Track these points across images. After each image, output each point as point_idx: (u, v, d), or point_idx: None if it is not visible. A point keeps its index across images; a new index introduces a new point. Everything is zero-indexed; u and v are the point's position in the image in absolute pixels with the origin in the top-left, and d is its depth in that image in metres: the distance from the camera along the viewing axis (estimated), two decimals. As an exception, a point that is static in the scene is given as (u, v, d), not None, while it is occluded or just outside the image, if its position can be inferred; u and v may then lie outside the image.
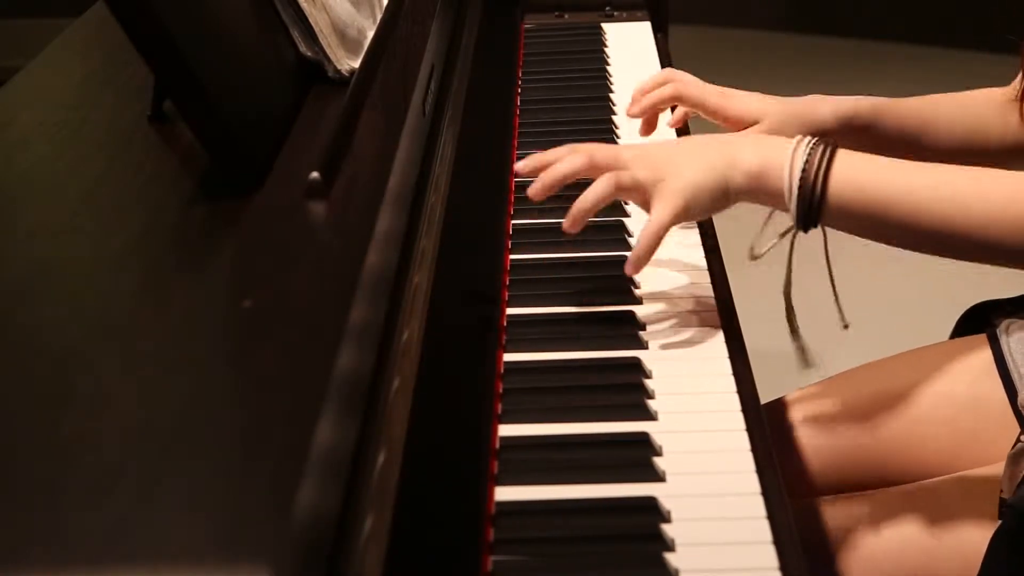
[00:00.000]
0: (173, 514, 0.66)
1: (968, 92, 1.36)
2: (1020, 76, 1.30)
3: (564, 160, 1.10)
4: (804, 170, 1.05)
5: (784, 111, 1.29)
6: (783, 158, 1.07)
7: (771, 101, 1.31)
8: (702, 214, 1.11)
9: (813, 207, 1.06)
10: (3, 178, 1.10)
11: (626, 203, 1.34)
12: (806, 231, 1.08)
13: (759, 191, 1.08)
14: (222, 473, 0.69)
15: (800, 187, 1.05)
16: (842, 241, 1.22)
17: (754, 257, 1.13)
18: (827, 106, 1.30)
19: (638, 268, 1.09)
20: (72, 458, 0.70)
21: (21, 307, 0.87)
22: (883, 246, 1.11)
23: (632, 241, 1.28)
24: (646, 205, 1.10)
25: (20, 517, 0.66)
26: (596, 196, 1.08)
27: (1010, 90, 1.33)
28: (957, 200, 1.04)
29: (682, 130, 1.48)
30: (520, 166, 1.12)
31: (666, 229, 1.08)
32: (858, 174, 1.06)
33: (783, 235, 1.11)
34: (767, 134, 1.26)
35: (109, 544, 0.63)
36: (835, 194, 1.05)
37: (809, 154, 1.06)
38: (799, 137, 1.08)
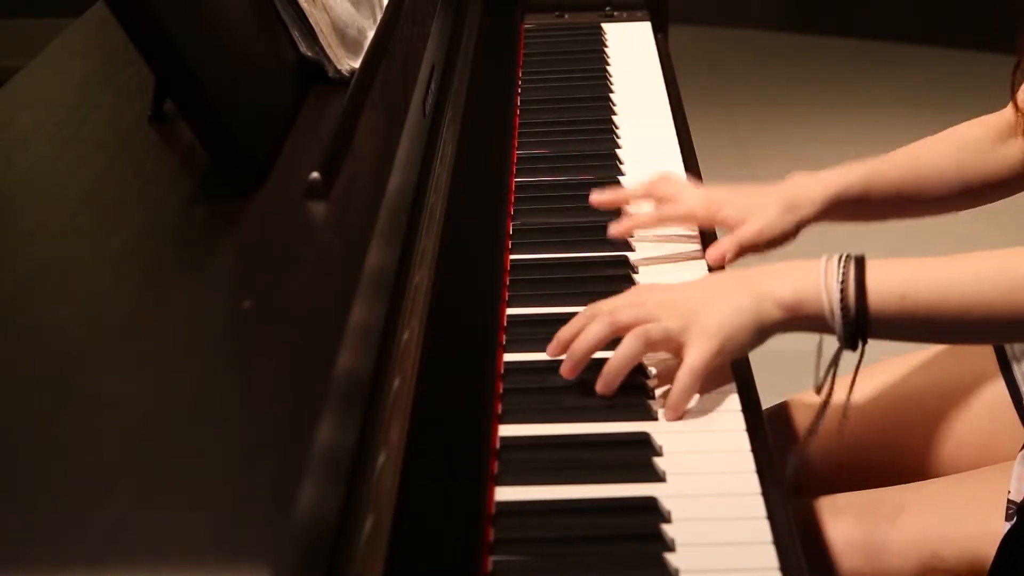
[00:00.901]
0: (173, 514, 0.66)
1: (956, 129, 1.33)
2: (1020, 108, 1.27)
3: (588, 331, 1.05)
4: (842, 291, 1.03)
5: (774, 204, 1.24)
6: (816, 283, 1.04)
7: (758, 197, 1.25)
8: (737, 354, 1.06)
9: (859, 325, 1.03)
10: (3, 178, 1.10)
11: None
12: (854, 349, 1.05)
13: (797, 320, 1.05)
14: (222, 473, 0.69)
15: (842, 308, 1.03)
16: (842, 242, 1.22)
17: (818, 390, 1.11)
18: (816, 188, 1.26)
19: (677, 413, 1.04)
20: (72, 458, 0.70)
21: (21, 307, 0.87)
22: (885, 247, 1.11)
23: (633, 241, 1.28)
24: (679, 351, 1.05)
25: (20, 517, 0.66)
26: (626, 357, 1.04)
27: (1007, 114, 1.30)
28: (1001, 287, 1.02)
29: None
30: (548, 350, 1.08)
31: (702, 374, 1.04)
32: (894, 283, 1.03)
33: (833, 363, 1.09)
34: (764, 230, 1.23)
35: (109, 544, 0.63)
36: (876, 308, 1.03)
37: (842, 274, 1.03)
38: (825, 257, 1.05)
